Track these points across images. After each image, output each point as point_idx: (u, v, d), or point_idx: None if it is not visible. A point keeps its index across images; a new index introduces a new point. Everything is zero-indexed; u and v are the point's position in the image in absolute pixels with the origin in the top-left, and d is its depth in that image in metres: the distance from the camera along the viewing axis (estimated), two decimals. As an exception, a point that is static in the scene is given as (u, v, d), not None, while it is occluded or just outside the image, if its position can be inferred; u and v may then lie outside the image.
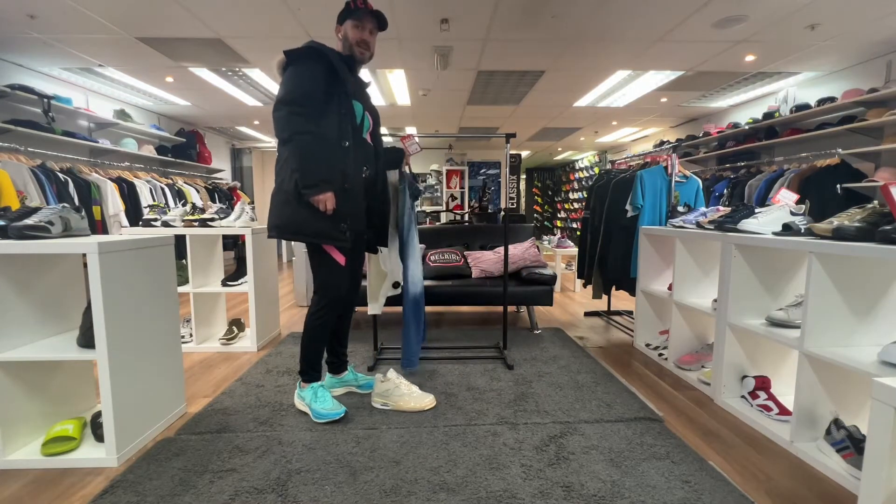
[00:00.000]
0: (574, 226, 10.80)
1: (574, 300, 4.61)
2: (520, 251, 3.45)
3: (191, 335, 2.91)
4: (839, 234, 1.59)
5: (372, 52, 1.98)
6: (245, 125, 6.63)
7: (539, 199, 13.70)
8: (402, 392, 2.06)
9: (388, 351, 2.87)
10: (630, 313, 3.91)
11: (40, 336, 1.77)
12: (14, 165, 3.33)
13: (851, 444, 1.53)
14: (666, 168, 3.23)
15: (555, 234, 6.87)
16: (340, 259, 1.92)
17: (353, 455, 1.67)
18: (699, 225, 2.47)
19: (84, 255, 1.69)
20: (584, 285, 3.88)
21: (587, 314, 3.97)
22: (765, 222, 2.02)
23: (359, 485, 1.49)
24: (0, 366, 1.60)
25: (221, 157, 7.45)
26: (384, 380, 2.09)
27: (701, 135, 5.61)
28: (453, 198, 8.99)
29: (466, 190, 9.03)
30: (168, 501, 1.41)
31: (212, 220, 2.89)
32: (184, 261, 2.97)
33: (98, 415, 1.69)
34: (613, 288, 3.57)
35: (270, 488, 1.47)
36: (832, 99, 3.88)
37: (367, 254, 2.25)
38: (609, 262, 3.44)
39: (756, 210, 2.13)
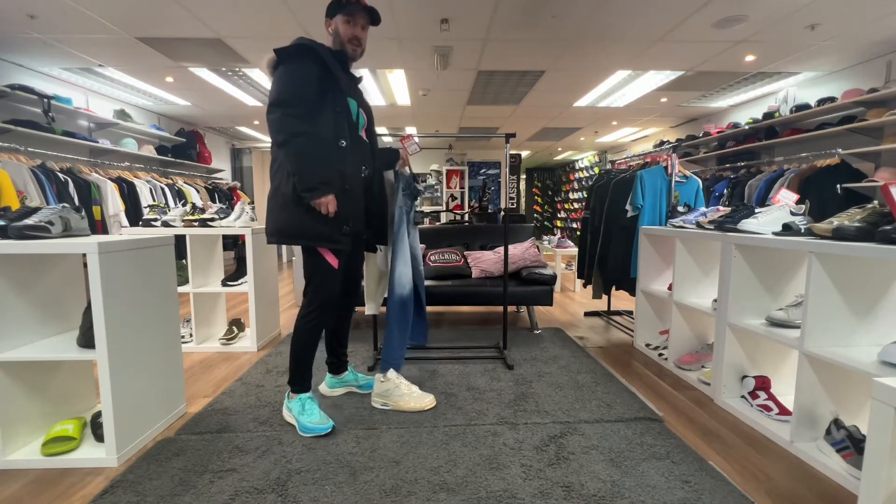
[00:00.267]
0: (574, 226, 10.80)
1: (574, 300, 4.61)
2: (520, 251, 3.45)
3: (191, 335, 2.91)
4: (839, 234, 1.59)
5: (363, 49, 1.92)
6: (245, 125, 6.64)
7: (539, 199, 13.70)
8: (402, 392, 2.06)
9: (388, 351, 2.87)
10: (630, 313, 3.91)
11: (40, 336, 1.77)
12: (14, 165, 3.33)
13: (851, 444, 1.53)
14: (666, 168, 3.23)
15: (555, 234, 6.87)
16: (334, 262, 1.86)
17: (353, 455, 1.67)
18: (699, 225, 2.47)
19: (84, 255, 1.69)
20: (584, 285, 3.88)
21: (587, 314, 3.97)
22: (765, 222, 2.02)
23: (359, 485, 1.49)
24: (0, 366, 1.60)
25: (221, 157, 7.45)
26: (384, 380, 2.09)
27: (701, 135, 5.61)
28: (453, 198, 8.99)
29: (466, 190, 9.03)
30: (168, 501, 1.41)
31: (212, 220, 2.89)
32: (184, 261, 2.97)
33: (98, 415, 1.69)
34: (613, 288, 3.57)
35: (270, 488, 1.47)
36: (832, 99, 3.88)
37: (365, 253, 2.24)
38: (609, 262, 3.44)
39: (756, 210, 2.13)
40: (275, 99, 1.72)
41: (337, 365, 2.21)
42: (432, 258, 3.47)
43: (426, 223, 5.27)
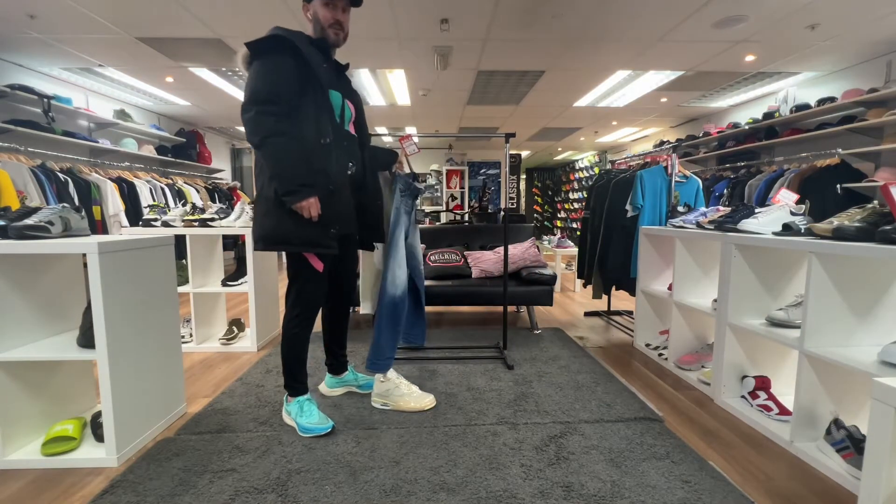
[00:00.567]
0: (574, 226, 10.80)
1: (574, 300, 4.61)
2: (520, 251, 3.45)
3: (191, 335, 2.91)
4: (839, 234, 1.59)
5: (346, 33, 1.80)
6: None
7: (539, 199, 13.70)
8: (402, 392, 2.06)
9: (388, 351, 2.87)
10: (630, 313, 3.91)
11: (40, 336, 1.77)
12: (14, 165, 3.33)
13: (851, 444, 1.53)
14: (666, 168, 3.23)
15: (555, 234, 6.87)
16: (319, 266, 1.80)
17: (353, 455, 1.67)
18: (699, 225, 2.47)
19: (84, 255, 1.69)
20: (584, 285, 3.88)
21: (587, 314, 3.97)
22: (765, 222, 2.02)
23: (359, 485, 1.49)
24: (0, 366, 1.60)
25: (221, 157, 7.45)
26: (384, 380, 2.08)
27: (701, 135, 5.61)
28: (453, 198, 9.00)
29: (466, 190, 9.04)
30: (168, 501, 1.41)
31: (212, 220, 2.89)
32: (184, 261, 2.97)
33: (98, 415, 1.69)
34: (613, 288, 3.57)
35: (270, 488, 1.47)
36: (832, 99, 3.88)
37: (362, 252, 2.22)
38: (609, 262, 3.44)
39: (756, 210, 2.13)
40: (249, 97, 1.63)
41: (336, 366, 2.21)
42: (432, 258, 3.47)
43: (426, 223, 5.27)
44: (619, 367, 2.64)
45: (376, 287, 2.32)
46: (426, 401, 2.06)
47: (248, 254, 2.85)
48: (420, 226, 4.18)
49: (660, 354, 2.77)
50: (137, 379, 1.75)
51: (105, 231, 4.01)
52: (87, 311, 1.62)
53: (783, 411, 1.89)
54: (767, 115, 4.58)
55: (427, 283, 3.16)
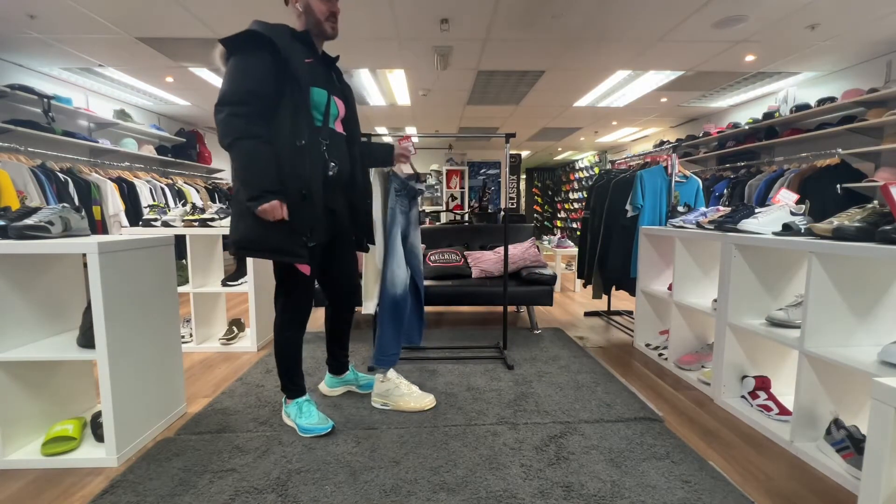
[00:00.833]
0: (574, 226, 10.80)
1: (574, 300, 4.61)
2: (520, 251, 3.45)
3: (191, 335, 2.91)
4: (839, 234, 1.59)
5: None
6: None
7: (539, 199, 13.70)
8: (402, 392, 2.06)
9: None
10: (630, 313, 3.91)
11: (40, 336, 1.77)
12: (14, 165, 3.33)
13: (851, 444, 1.53)
14: (666, 168, 3.23)
15: (555, 234, 6.87)
16: (305, 269, 1.72)
17: (353, 455, 1.67)
18: (699, 225, 2.47)
19: (84, 255, 1.69)
20: (584, 285, 3.88)
21: (587, 314, 3.97)
22: (765, 222, 2.02)
23: (359, 485, 1.49)
24: (0, 366, 1.60)
25: (221, 156, 7.43)
26: (384, 380, 2.09)
27: (701, 135, 5.61)
28: (453, 198, 9.00)
29: (466, 190, 9.04)
30: (168, 501, 1.41)
31: (212, 220, 2.89)
32: (184, 261, 2.97)
33: (98, 415, 1.69)
34: (613, 288, 3.57)
35: (270, 488, 1.47)
36: (832, 99, 3.88)
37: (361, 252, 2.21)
38: (609, 262, 3.44)
39: (756, 210, 2.13)
40: (222, 97, 1.55)
41: (337, 366, 2.20)
42: (432, 258, 3.47)
43: (426, 223, 5.27)
44: (619, 367, 2.64)
45: (378, 287, 2.31)
46: (426, 401, 2.06)
47: (248, 254, 2.85)
48: (420, 226, 4.18)
49: (660, 354, 2.77)
50: (137, 379, 1.75)
51: (105, 231, 4.01)
52: (87, 311, 1.62)
53: (783, 411, 1.89)
54: (767, 115, 4.58)
55: (427, 282, 3.16)
